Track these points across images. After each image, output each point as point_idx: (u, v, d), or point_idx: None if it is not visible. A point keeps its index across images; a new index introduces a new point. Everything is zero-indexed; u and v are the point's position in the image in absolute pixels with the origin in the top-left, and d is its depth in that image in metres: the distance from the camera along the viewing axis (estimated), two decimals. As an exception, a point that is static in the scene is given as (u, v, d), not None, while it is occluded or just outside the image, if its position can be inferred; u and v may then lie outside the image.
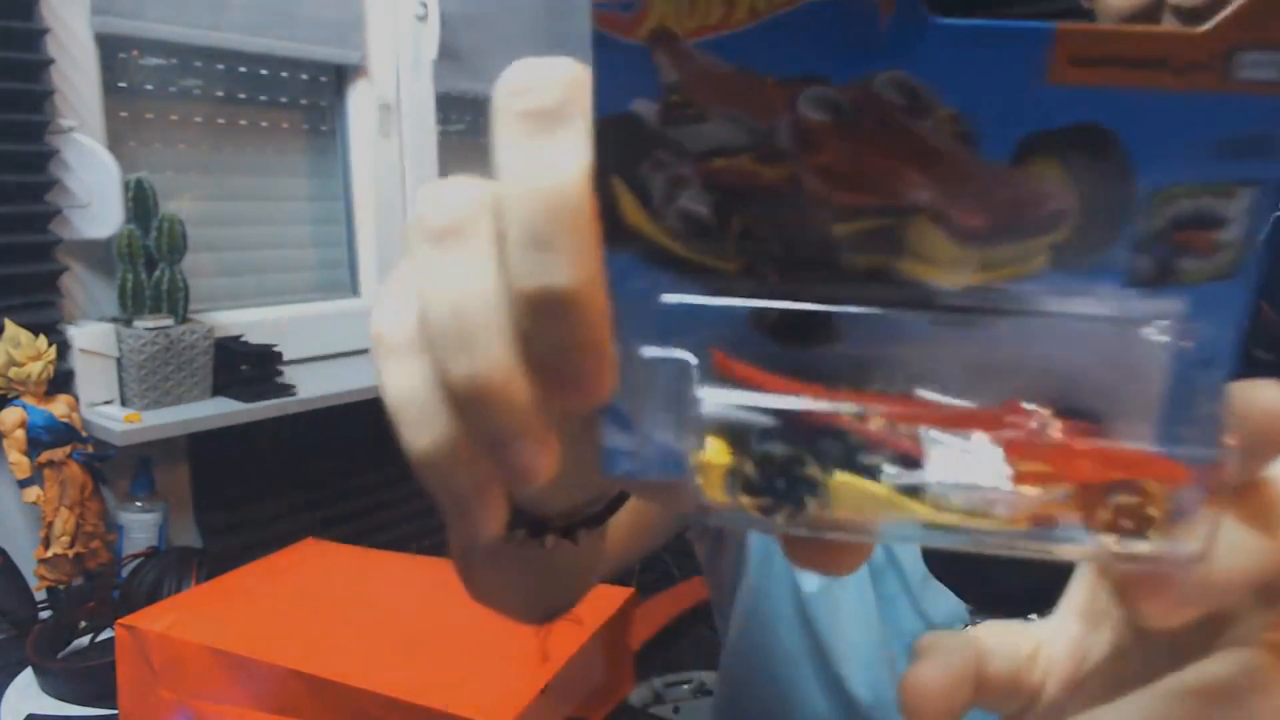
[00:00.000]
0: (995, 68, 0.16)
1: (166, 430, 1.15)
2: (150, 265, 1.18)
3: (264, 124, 1.48)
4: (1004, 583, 0.46)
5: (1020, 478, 0.18)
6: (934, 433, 0.18)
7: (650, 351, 0.19)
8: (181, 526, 1.28)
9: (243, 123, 1.45)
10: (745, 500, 0.18)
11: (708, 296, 0.19)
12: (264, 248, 1.50)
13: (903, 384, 0.19)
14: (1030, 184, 0.17)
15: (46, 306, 1.15)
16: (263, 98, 1.47)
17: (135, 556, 1.08)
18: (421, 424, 0.20)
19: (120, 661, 0.77)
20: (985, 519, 0.18)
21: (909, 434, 0.18)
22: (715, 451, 0.19)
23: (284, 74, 1.49)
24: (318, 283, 1.57)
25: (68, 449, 1.09)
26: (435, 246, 0.19)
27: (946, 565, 0.48)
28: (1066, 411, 0.19)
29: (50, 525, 1.08)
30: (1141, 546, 0.18)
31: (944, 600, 0.66)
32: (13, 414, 1.06)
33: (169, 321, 1.19)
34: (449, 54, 1.63)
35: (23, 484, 1.07)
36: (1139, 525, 0.18)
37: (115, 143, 1.24)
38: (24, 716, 0.86)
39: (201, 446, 1.28)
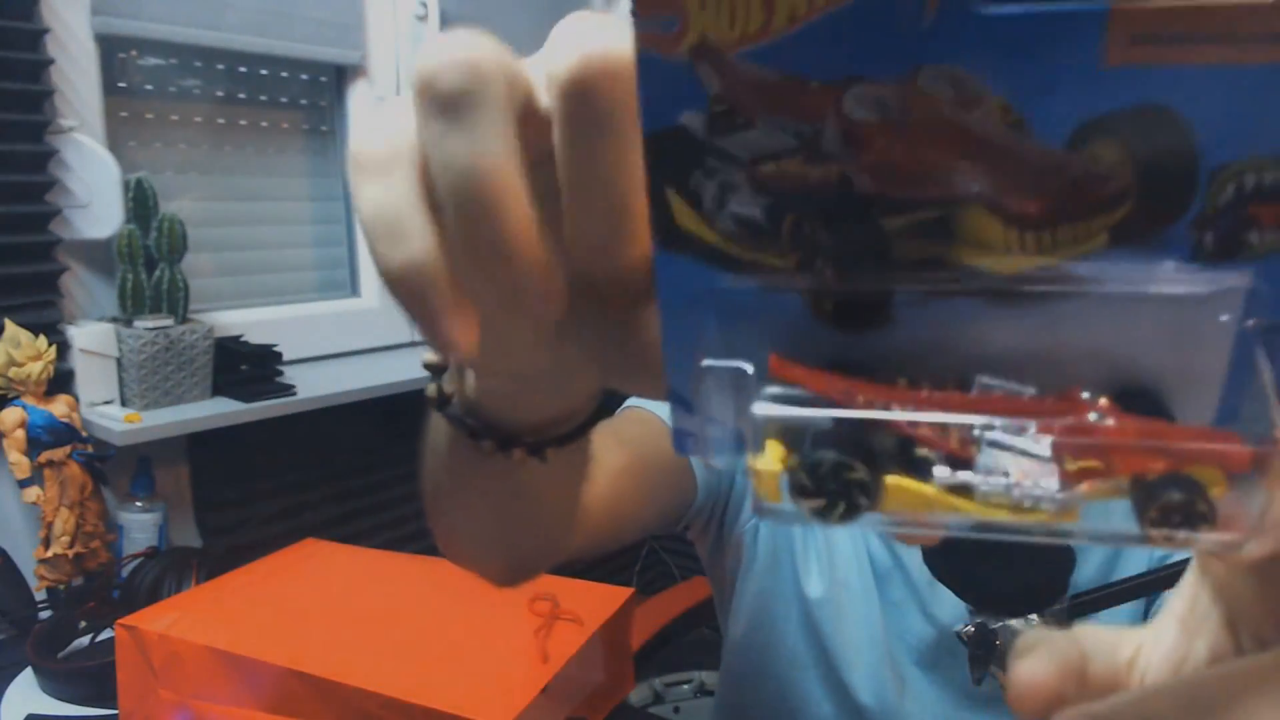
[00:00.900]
0: (1049, 54, 0.16)
1: (166, 430, 1.15)
2: (150, 265, 1.18)
3: (264, 124, 1.48)
4: (1003, 584, 0.46)
5: (1071, 475, 0.18)
6: (986, 429, 0.18)
7: (710, 361, 0.20)
8: (181, 526, 1.28)
9: (243, 123, 1.45)
10: (801, 502, 0.19)
11: (765, 284, 0.19)
12: (264, 248, 1.50)
13: (960, 368, 0.19)
14: (1088, 167, 0.17)
15: (46, 306, 1.15)
16: (263, 98, 1.47)
17: (135, 556, 1.08)
18: (401, 235, 0.20)
19: (120, 661, 0.77)
20: (1034, 514, 0.18)
21: (960, 434, 0.18)
22: (771, 456, 0.19)
23: (284, 74, 1.49)
24: (318, 283, 1.57)
25: (68, 449, 1.09)
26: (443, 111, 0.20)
27: (945, 566, 0.48)
28: (1126, 392, 0.18)
29: (50, 525, 1.08)
30: (1189, 538, 0.18)
31: (950, 603, 0.66)
32: (13, 414, 1.06)
33: (169, 321, 1.19)
34: (449, 54, 1.62)
35: (23, 484, 1.07)
36: (1189, 522, 0.17)
37: (115, 143, 1.24)
38: (24, 716, 0.86)
39: (201, 446, 1.28)
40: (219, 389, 1.25)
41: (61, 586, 1.09)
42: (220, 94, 1.42)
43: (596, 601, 0.82)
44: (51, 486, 1.08)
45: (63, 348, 1.14)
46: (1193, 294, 0.18)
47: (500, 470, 0.35)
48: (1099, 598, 0.47)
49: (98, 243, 1.19)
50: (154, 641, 0.75)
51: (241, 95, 1.44)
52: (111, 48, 1.25)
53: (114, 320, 1.20)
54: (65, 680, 0.89)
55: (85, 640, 0.97)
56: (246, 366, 1.28)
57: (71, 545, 1.09)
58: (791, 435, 0.19)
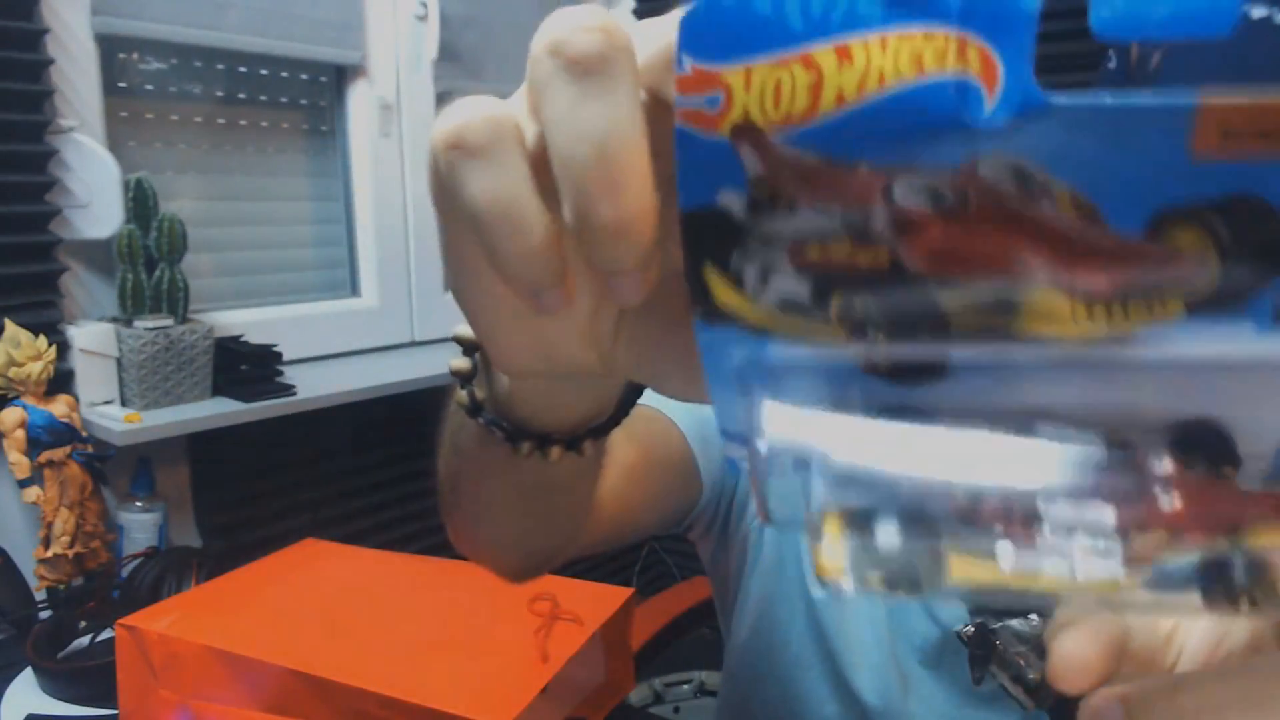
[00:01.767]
0: (1129, 146, 0.16)
1: (166, 430, 1.15)
2: (150, 265, 1.18)
3: (264, 124, 1.48)
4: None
5: (1135, 555, 0.18)
6: (1049, 501, 0.18)
7: (768, 443, 0.20)
8: (181, 526, 1.28)
9: (243, 123, 1.45)
10: (868, 581, 0.19)
11: (818, 353, 0.19)
12: (264, 248, 1.50)
13: (1021, 420, 0.19)
14: (1167, 255, 0.17)
15: (46, 306, 1.15)
16: (263, 98, 1.47)
17: (135, 556, 1.08)
18: (524, 223, 0.20)
19: (120, 661, 0.77)
20: (1099, 586, 0.18)
21: (1022, 514, 0.18)
22: (830, 536, 0.19)
23: (284, 74, 1.49)
24: (317, 283, 1.57)
25: (68, 449, 1.09)
26: (577, 77, 0.19)
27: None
28: (1197, 453, 0.18)
29: (50, 525, 1.08)
30: (1251, 611, 0.18)
31: (955, 604, 0.66)
32: (13, 414, 1.06)
33: (169, 321, 1.19)
34: (449, 54, 1.62)
35: (23, 484, 1.07)
36: (1252, 600, 0.18)
37: (115, 143, 1.24)
38: (24, 716, 0.86)
39: (201, 446, 1.28)
40: (219, 389, 1.25)
41: (61, 586, 1.09)
42: (220, 94, 1.42)
43: (596, 601, 0.82)
44: (51, 486, 1.08)
45: (63, 348, 1.14)
46: (1271, 356, 0.17)
47: (532, 468, 0.35)
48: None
49: (98, 243, 1.19)
50: (154, 641, 0.75)
51: (241, 95, 1.44)
52: (111, 48, 1.25)
53: (114, 320, 1.20)
54: (65, 680, 0.89)
55: (85, 640, 0.97)
56: (246, 366, 1.28)
57: (71, 545, 1.09)
58: (853, 522, 0.19)
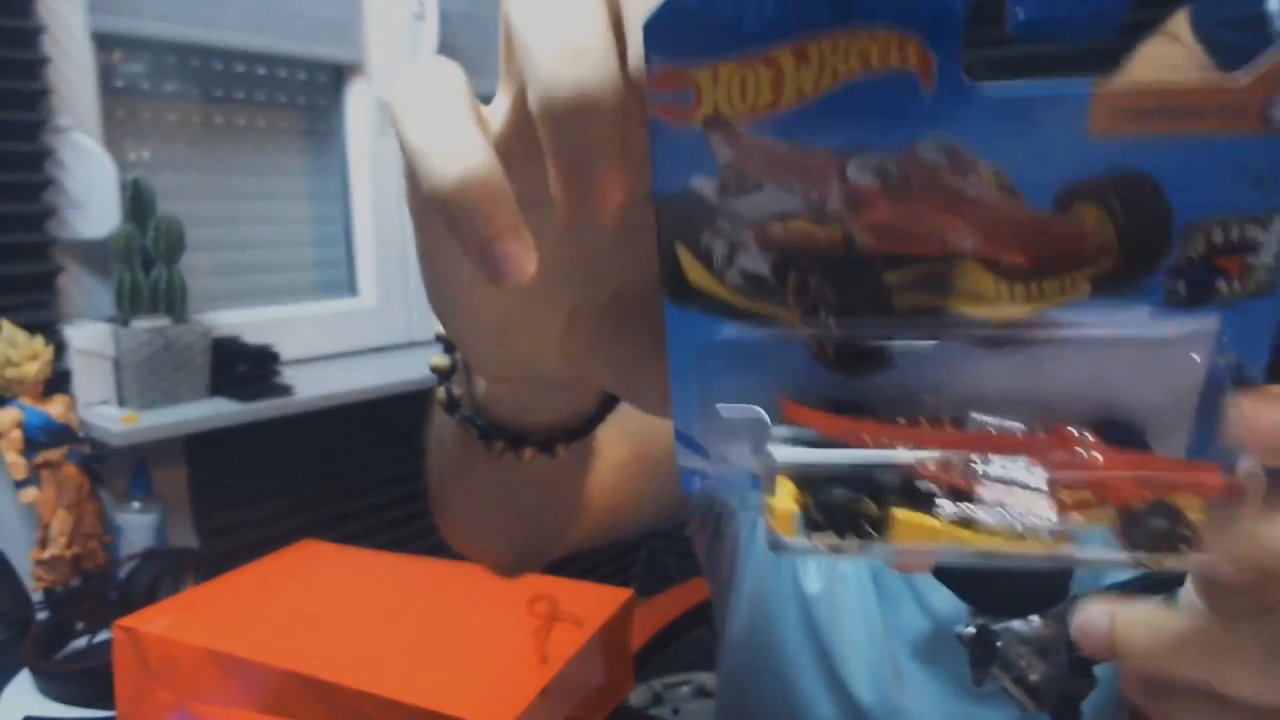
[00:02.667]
0: (1038, 128, 0.18)
1: (164, 431, 1.15)
2: (147, 265, 1.18)
3: (262, 123, 1.48)
4: (1004, 585, 0.46)
5: (1065, 505, 0.19)
6: (985, 463, 0.20)
7: (728, 410, 0.22)
8: (179, 527, 1.27)
9: (240, 122, 1.45)
10: (816, 538, 0.20)
11: (770, 333, 0.21)
12: (262, 248, 1.50)
13: (956, 409, 0.21)
14: (1073, 227, 0.19)
15: (43, 306, 1.14)
16: (260, 97, 1.47)
17: (132, 557, 1.08)
18: (458, 152, 0.19)
19: (117, 663, 0.76)
20: (1032, 543, 0.20)
21: (961, 468, 0.20)
22: (784, 495, 0.20)
23: (282, 73, 1.49)
24: (316, 283, 1.56)
25: (64, 449, 1.09)
26: None
27: (948, 567, 0.48)
28: (1110, 430, 0.20)
29: (47, 526, 1.08)
30: (1173, 560, 0.20)
31: (946, 595, 0.66)
32: (9, 414, 1.06)
33: (166, 321, 1.18)
34: (447, 53, 1.62)
35: (19, 484, 1.07)
36: (1173, 546, 0.19)
37: (112, 142, 1.23)
38: (21, 718, 0.86)
39: (199, 447, 1.27)
40: (216, 389, 1.25)
41: (59, 587, 1.09)
42: (218, 93, 1.41)
43: (596, 603, 0.82)
44: (48, 487, 1.08)
45: (59, 348, 1.13)
46: (1166, 336, 0.20)
47: (510, 466, 0.36)
48: (1099, 598, 0.47)
49: (94, 242, 1.18)
50: (151, 643, 0.75)
51: (239, 94, 1.44)
52: (108, 46, 1.25)
53: (111, 320, 1.20)
54: (62, 681, 0.89)
55: (82, 641, 0.97)
56: (244, 367, 1.28)
57: (69, 546, 1.08)
58: (803, 475, 0.20)
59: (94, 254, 1.21)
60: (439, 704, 0.65)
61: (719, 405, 0.22)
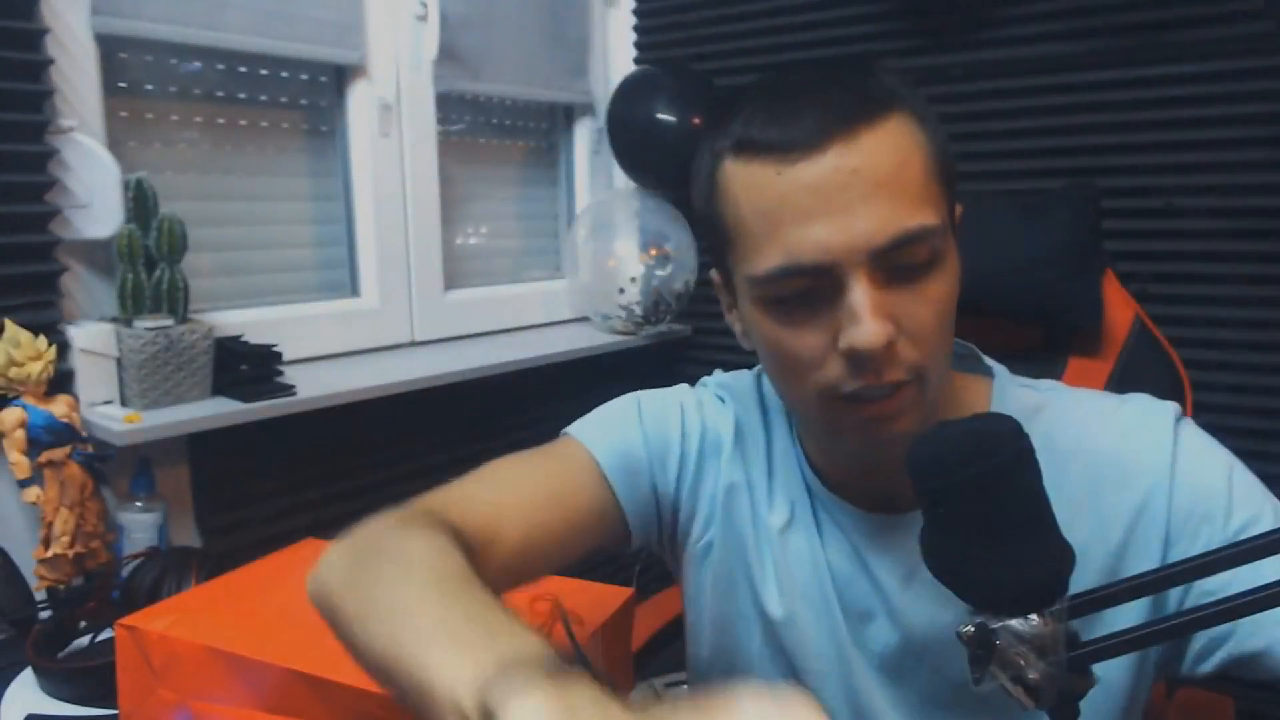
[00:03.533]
0: None
1: (166, 430, 1.15)
2: (150, 265, 1.18)
3: (264, 124, 1.48)
4: (1003, 584, 0.46)
5: None
6: None
7: None
8: (181, 526, 1.28)
9: (243, 123, 1.45)
10: None
11: None
12: (264, 248, 1.50)
13: None
14: None
15: (46, 306, 1.15)
16: (263, 98, 1.47)
17: (135, 556, 1.08)
18: None
19: (120, 662, 0.77)
20: None
21: None
22: None
23: (284, 74, 1.49)
24: (317, 283, 1.57)
25: (68, 449, 1.09)
26: None
27: (945, 565, 0.48)
28: None
29: (50, 525, 1.08)
30: None
31: (923, 607, 0.65)
32: (13, 414, 1.06)
33: (169, 321, 1.19)
34: (449, 54, 1.62)
35: (23, 484, 1.07)
36: None
37: (115, 143, 1.24)
38: (24, 717, 0.86)
39: (201, 446, 1.28)
40: (219, 389, 1.25)
41: (61, 586, 1.09)
42: (220, 94, 1.42)
43: (596, 601, 0.82)
44: (51, 486, 1.08)
45: (63, 348, 1.14)
46: None
47: None
48: (1099, 598, 0.47)
49: (98, 243, 1.19)
50: (154, 641, 0.75)
51: (241, 95, 1.44)
52: (111, 47, 1.25)
53: (114, 320, 1.20)
54: (65, 680, 0.89)
55: (85, 640, 0.97)
56: (246, 366, 1.28)
57: (71, 545, 1.09)
58: None
59: (97, 254, 1.21)
60: (440, 702, 0.65)
61: None
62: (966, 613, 0.47)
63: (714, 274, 0.68)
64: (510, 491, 0.67)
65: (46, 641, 0.95)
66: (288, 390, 1.28)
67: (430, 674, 0.41)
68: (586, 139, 2.00)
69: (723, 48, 1.87)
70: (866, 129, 0.56)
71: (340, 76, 1.55)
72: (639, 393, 0.77)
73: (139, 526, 1.14)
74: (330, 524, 1.44)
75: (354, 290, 1.60)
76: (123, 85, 1.29)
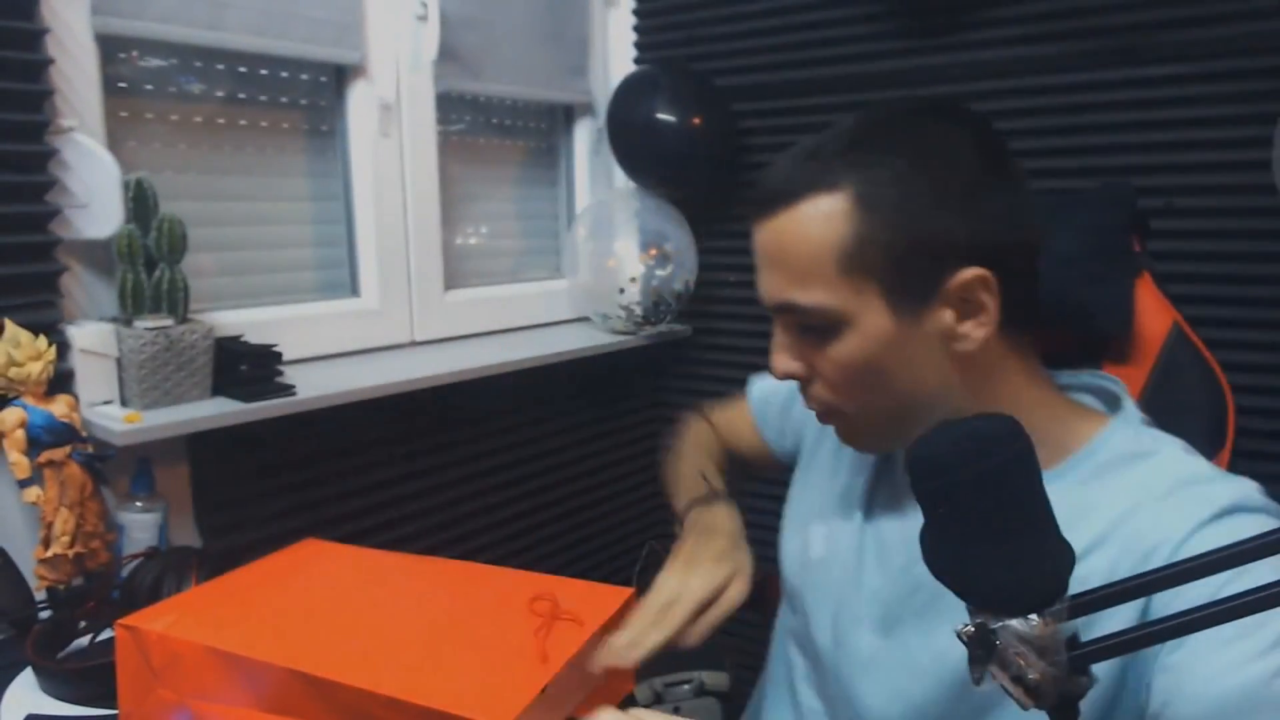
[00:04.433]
0: None
1: (166, 430, 1.15)
2: (150, 265, 1.18)
3: (264, 124, 1.48)
4: (1003, 583, 0.46)
5: None
6: None
7: None
8: (181, 526, 1.28)
9: (243, 123, 1.45)
10: None
11: None
12: (264, 248, 1.50)
13: None
14: None
15: (46, 306, 1.15)
16: (263, 98, 1.47)
17: (135, 556, 1.08)
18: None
19: (120, 662, 0.77)
20: None
21: None
22: None
23: (284, 74, 1.49)
24: (317, 283, 1.57)
25: (67, 449, 1.09)
26: None
27: (946, 565, 0.48)
28: None
29: (50, 525, 1.08)
30: None
31: (875, 701, 0.75)
32: (12, 414, 1.06)
33: (169, 321, 1.19)
34: (449, 54, 1.62)
35: (22, 484, 1.07)
36: None
37: (115, 143, 1.24)
38: (23, 716, 0.86)
39: (201, 446, 1.28)
40: (219, 389, 1.25)
41: (61, 586, 1.09)
42: (220, 94, 1.42)
43: (596, 601, 0.82)
44: (51, 486, 1.08)
45: (63, 348, 1.14)
46: None
47: None
48: (1099, 597, 0.47)
49: (97, 243, 1.19)
50: (154, 641, 0.75)
51: (241, 95, 1.44)
52: (111, 48, 1.25)
53: (114, 320, 1.20)
54: (65, 680, 0.89)
55: (85, 640, 0.97)
56: (246, 366, 1.28)
57: (71, 545, 1.09)
58: None
59: (97, 254, 1.21)
60: (440, 702, 0.65)
61: None
62: (969, 611, 0.47)
63: None
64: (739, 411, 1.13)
65: (46, 641, 0.95)
66: (288, 390, 1.28)
67: (674, 501, 1.02)
68: (586, 139, 2.00)
69: (723, 48, 1.87)
70: (784, 208, 0.69)
71: (340, 76, 1.55)
72: None
73: (139, 526, 1.14)
74: (330, 524, 1.44)
75: (354, 290, 1.60)
76: (123, 85, 1.29)
